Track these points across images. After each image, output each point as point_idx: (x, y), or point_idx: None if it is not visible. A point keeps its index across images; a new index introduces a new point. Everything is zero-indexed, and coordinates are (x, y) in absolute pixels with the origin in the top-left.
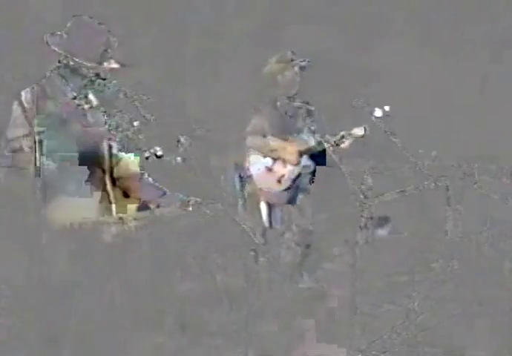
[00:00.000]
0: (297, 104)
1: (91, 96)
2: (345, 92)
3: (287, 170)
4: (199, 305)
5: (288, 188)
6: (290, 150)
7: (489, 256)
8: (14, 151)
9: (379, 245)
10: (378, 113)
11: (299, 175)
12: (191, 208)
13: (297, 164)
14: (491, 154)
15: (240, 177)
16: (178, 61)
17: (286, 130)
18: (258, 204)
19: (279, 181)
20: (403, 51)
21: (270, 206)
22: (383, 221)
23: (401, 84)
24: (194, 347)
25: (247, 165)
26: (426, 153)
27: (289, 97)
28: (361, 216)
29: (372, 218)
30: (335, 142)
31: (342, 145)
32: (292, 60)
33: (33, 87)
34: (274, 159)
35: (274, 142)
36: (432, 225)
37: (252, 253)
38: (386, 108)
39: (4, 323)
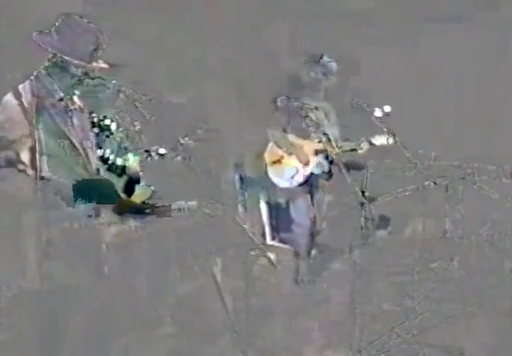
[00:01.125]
0: (297, 104)
1: (75, 98)
2: (345, 92)
3: (301, 167)
4: (199, 305)
5: (301, 185)
6: (307, 148)
7: (489, 256)
8: (17, 153)
9: (379, 245)
10: (378, 113)
11: (312, 173)
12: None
13: (308, 162)
14: (491, 154)
15: (240, 178)
16: (178, 60)
17: (304, 128)
18: (258, 204)
19: (292, 176)
20: (403, 51)
21: (271, 206)
22: (383, 222)
23: (401, 84)
24: (194, 347)
25: (265, 155)
26: (426, 153)
27: (288, 97)
28: (361, 216)
29: (372, 219)
30: (353, 147)
31: (360, 151)
32: (319, 60)
33: (31, 80)
34: (289, 154)
35: (292, 139)
36: (432, 225)
37: (252, 253)
38: (386, 108)
39: (5, 323)
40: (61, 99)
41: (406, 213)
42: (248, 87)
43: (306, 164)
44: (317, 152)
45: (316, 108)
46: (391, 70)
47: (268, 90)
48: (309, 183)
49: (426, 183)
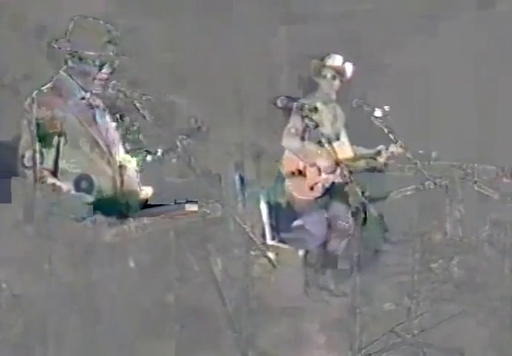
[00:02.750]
0: (297, 104)
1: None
2: (345, 92)
3: (321, 178)
4: (199, 305)
5: (320, 196)
6: (325, 156)
7: (489, 256)
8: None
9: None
10: (378, 113)
11: (333, 184)
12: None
13: (333, 172)
14: (491, 154)
15: (241, 177)
16: (178, 60)
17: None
18: (258, 204)
19: (311, 188)
20: (403, 51)
21: (271, 207)
22: (383, 222)
23: (401, 83)
24: (194, 347)
25: (280, 167)
26: (426, 153)
27: (288, 97)
28: (361, 216)
29: (372, 219)
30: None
31: (380, 159)
32: (322, 60)
33: (34, 94)
34: (309, 165)
35: (310, 147)
36: (432, 225)
37: (252, 253)
38: (386, 108)
39: (5, 323)
40: (82, 98)
41: (406, 213)
42: (248, 87)
43: (331, 173)
44: (337, 162)
45: (315, 109)
46: (391, 70)
47: (268, 90)
48: (328, 194)
49: (426, 183)
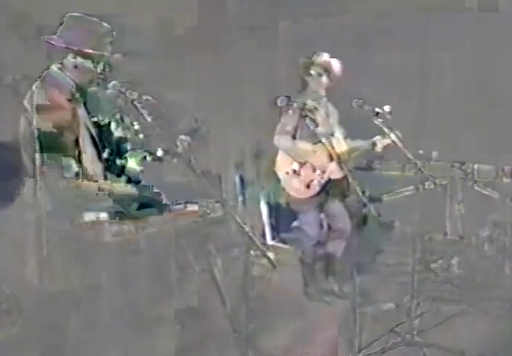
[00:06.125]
0: (297, 104)
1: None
2: (345, 92)
3: (316, 175)
4: (199, 305)
5: (317, 194)
6: (320, 153)
7: (489, 256)
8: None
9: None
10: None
11: (329, 181)
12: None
13: (325, 169)
14: (491, 154)
15: (241, 178)
16: (178, 61)
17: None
18: (258, 204)
19: (307, 186)
20: (403, 50)
21: (271, 207)
22: (383, 222)
23: (401, 83)
24: (194, 347)
25: (274, 168)
26: (426, 153)
27: (287, 97)
28: (362, 216)
29: (372, 219)
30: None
31: (376, 149)
32: (310, 58)
33: (31, 95)
34: (303, 163)
35: (302, 145)
36: (432, 225)
37: (252, 253)
38: (386, 108)
39: (5, 322)
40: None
41: (406, 213)
42: (248, 87)
43: (323, 171)
44: (331, 157)
45: (316, 108)
46: (391, 70)
47: (268, 90)
48: (324, 191)
49: (426, 183)
